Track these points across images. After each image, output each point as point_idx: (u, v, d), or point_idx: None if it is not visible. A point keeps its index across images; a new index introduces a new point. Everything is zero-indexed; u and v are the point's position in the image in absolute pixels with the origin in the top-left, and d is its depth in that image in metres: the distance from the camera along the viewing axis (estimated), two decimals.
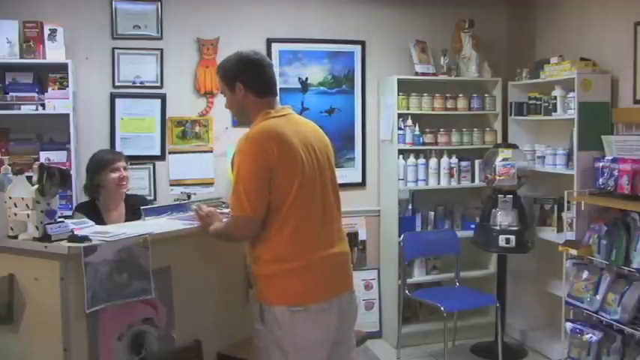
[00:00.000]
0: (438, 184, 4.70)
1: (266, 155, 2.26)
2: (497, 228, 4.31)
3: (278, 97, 2.52)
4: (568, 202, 4.01)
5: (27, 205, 2.16)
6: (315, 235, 2.36)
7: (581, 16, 4.32)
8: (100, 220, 3.06)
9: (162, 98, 4.34)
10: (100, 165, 3.30)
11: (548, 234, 4.41)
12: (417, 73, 4.67)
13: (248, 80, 2.42)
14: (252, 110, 2.44)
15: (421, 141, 4.65)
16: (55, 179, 2.19)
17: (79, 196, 3.95)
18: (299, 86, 4.61)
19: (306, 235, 2.33)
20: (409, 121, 4.61)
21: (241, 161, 2.30)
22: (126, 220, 3.24)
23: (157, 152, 4.35)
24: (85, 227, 2.40)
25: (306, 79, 4.66)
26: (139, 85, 4.30)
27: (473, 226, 4.72)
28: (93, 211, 3.25)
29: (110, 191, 3.31)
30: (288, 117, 2.44)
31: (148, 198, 4.24)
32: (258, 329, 2.37)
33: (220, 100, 4.42)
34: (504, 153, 4.38)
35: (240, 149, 2.33)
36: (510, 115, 4.74)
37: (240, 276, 2.82)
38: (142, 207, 2.94)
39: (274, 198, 2.29)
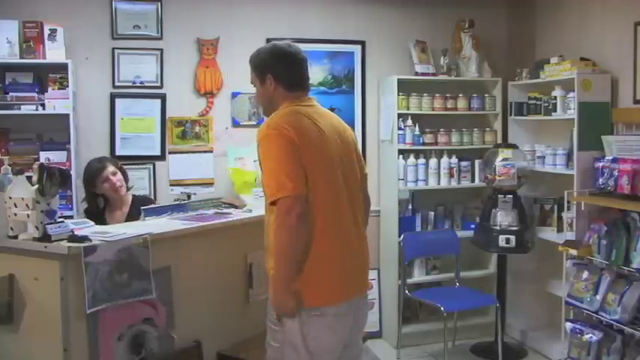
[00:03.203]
0: (438, 184, 4.69)
1: (290, 136, 2.17)
2: (497, 228, 4.31)
3: (309, 92, 2.44)
4: (568, 202, 4.01)
5: (27, 205, 2.16)
6: (337, 237, 2.28)
7: (581, 16, 4.32)
8: (102, 221, 3.11)
9: (163, 98, 4.34)
10: (90, 177, 3.42)
11: (548, 234, 4.41)
12: (417, 73, 4.67)
13: (279, 73, 2.36)
14: (281, 103, 2.36)
15: (421, 141, 4.64)
16: (55, 179, 2.19)
17: (79, 196, 3.95)
18: None
19: (329, 237, 2.25)
20: (409, 121, 4.61)
21: (266, 145, 2.21)
22: (127, 220, 3.27)
23: (157, 152, 4.35)
24: (85, 227, 2.40)
25: None
26: (139, 85, 4.30)
27: (473, 226, 4.71)
28: (97, 213, 3.36)
29: (110, 197, 3.43)
30: (312, 107, 2.38)
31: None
32: (273, 329, 2.32)
33: (220, 100, 4.46)
34: (504, 153, 4.38)
35: (263, 136, 2.23)
36: (510, 115, 4.74)
37: (240, 276, 2.82)
38: (142, 207, 2.95)
39: None
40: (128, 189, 3.52)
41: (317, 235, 2.22)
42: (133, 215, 3.34)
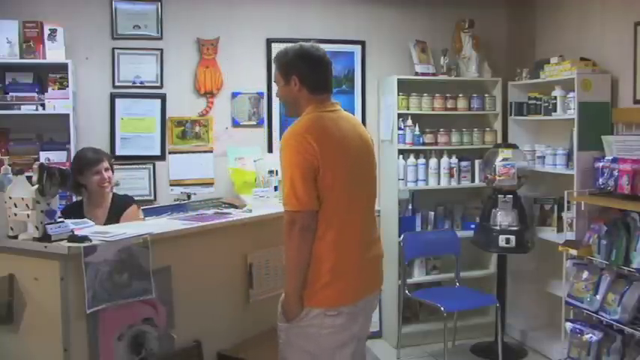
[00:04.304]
0: (438, 184, 4.69)
1: (308, 147, 2.24)
2: (497, 228, 4.31)
3: (332, 96, 2.50)
4: (568, 202, 4.01)
5: (27, 205, 2.16)
6: (356, 238, 2.37)
7: (581, 16, 4.32)
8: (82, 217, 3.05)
9: (163, 98, 4.34)
10: (81, 165, 3.30)
11: (548, 234, 4.41)
12: (417, 73, 4.67)
13: (305, 75, 2.39)
14: (304, 105, 2.41)
15: (421, 141, 4.64)
16: (55, 179, 2.19)
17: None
18: None
19: (348, 238, 2.33)
20: (409, 121, 4.61)
21: (285, 154, 2.29)
22: (107, 219, 3.23)
23: (157, 152, 4.35)
24: (85, 227, 2.40)
25: None
26: (139, 85, 4.30)
27: (473, 226, 4.71)
28: (78, 209, 3.27)
29: (93, 191, 3.32)
30: (335, 112, 2.43)
31: (148, 198, 4.26)
32: (285, 326, 2.38)
33: (220, 100, 4.46)
34: (504, 153, 4.38)
35: (284, 144, 2.31)
36: (510, 115, 4.74)
37: (240, 276, 2.82)
38: (142, 207, 2.95)
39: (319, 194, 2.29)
40: (110, 189, 3.47)
41: (335, 238, 2.29)
42: (113, 213, 3.29)
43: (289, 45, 2.48)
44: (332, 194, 2.27)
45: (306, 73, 2.39)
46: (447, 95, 4.70)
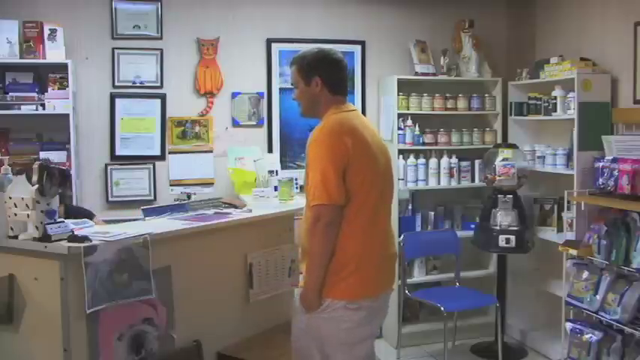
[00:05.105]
0: (438, 184, 4.69)
1: (342, 146, 2.33)
2: (497, 228, 4.31)
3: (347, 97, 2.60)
4: (568, 202, 4.01)
5: (27, 205, 2.16)
6: (380, 234, 2.46)
7: (582, 17, 4.32)
8: None
9: (162, 98, 4.34)
10: None
11: (548, 234, 4.41)
12: (417, 73, 4.67)
13: (327, 77, 2.50)
14: (324, 105, 2.51)
15: (421, 141, 4.64)
16: (55, 179, 2.19)
17: (78, 196, 3.96)
18: None
19: (374, 233, 2.42)
20: (409, 121, 4.61)
21: (317, 150, 2.36)
22: None
23: (157, 152, 4.35)
24: (85, 227, 2.41)
25: None
26: (138, 85, 4.30)
27: (473, 226, 4.71)
28: None
29: None
30: (354, 113, 2.56)
31: (148, 198, 4.26)
32: (305, 317, 2.42)
33: (220, 100, 4.46)
34: (504, 153, 4.38)
35: (316, 140, 2.38)
36: (510, 115, 4.73)
37: (240, 276, 2.82)
38: (142, 207, 2.95)
39: (347, 191, 2.36)
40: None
41: (362, 232, 2.38)
42: None
43: (306, 49, 2.60)
44: (362, 190, 2.36)
45: (328, 75, 2.50)
46: (447, 95, 4.70)
